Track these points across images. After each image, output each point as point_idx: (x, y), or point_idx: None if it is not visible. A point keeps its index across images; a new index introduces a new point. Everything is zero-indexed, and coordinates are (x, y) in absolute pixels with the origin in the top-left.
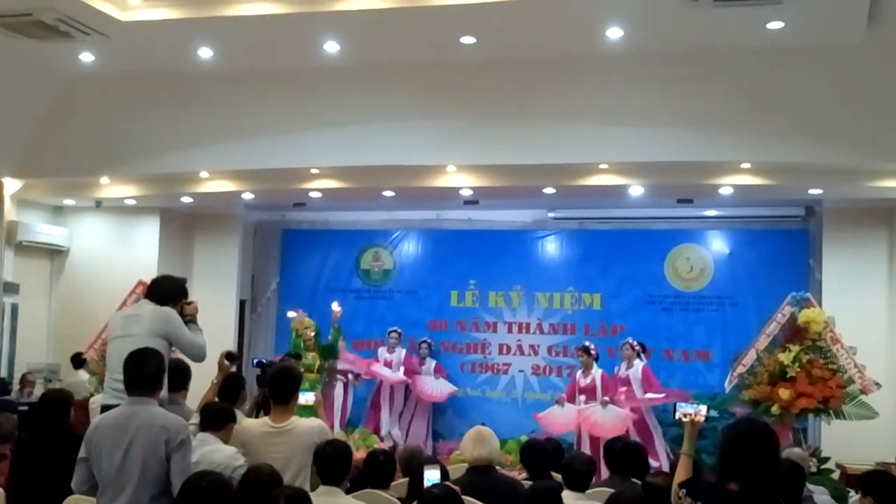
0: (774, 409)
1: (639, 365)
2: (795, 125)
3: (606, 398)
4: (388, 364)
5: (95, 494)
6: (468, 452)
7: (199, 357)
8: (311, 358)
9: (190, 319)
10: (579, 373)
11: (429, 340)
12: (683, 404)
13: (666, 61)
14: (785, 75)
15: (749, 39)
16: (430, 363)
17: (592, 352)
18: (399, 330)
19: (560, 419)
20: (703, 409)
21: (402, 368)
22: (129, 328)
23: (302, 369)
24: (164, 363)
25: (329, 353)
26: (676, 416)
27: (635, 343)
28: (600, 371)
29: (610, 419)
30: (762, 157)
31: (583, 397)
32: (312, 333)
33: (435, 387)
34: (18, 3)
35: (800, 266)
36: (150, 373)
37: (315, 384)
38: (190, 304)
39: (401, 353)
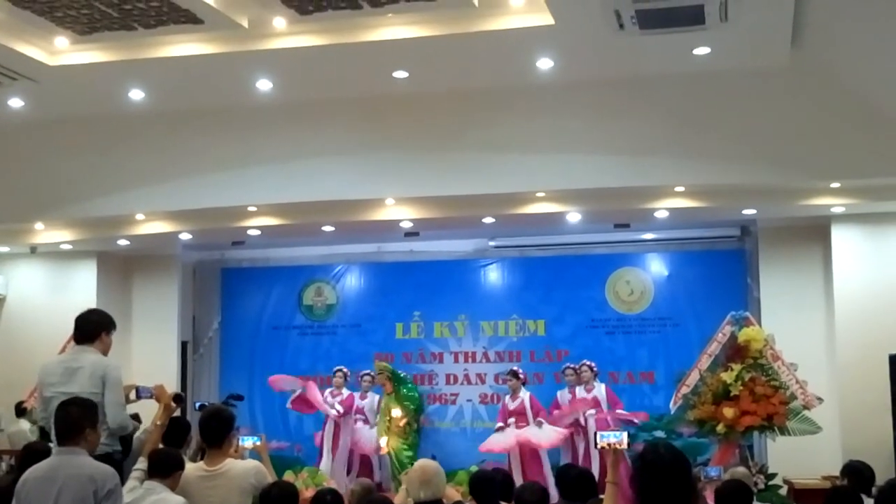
0: (720, 427)
1: (601, 385)
2: (726, 148)
3: (540, 419)
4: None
5: None
6: (413, 494)
7: (117, 429)
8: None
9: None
10: (507, 397)
11: (371, 373)
12: (605, 433)
13: (597, 89)
14: (714, 100)
15: (677, 65)
16: (374, 398)
17: (521, 376)
18: (345, 370)
19: (501, 443)
20: (625, 436)
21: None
22: (69, 384)
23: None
24: (92, 410)
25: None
26: (598, 446)
27: (593, 365)
28: (528, 394)
29: (546, 436)
30: (695, 180)
31: (512, 420)
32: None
33: (370, 437)
34: None
35: (738, 285)
36: (73, 419)
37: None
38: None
39: (345, 394)
